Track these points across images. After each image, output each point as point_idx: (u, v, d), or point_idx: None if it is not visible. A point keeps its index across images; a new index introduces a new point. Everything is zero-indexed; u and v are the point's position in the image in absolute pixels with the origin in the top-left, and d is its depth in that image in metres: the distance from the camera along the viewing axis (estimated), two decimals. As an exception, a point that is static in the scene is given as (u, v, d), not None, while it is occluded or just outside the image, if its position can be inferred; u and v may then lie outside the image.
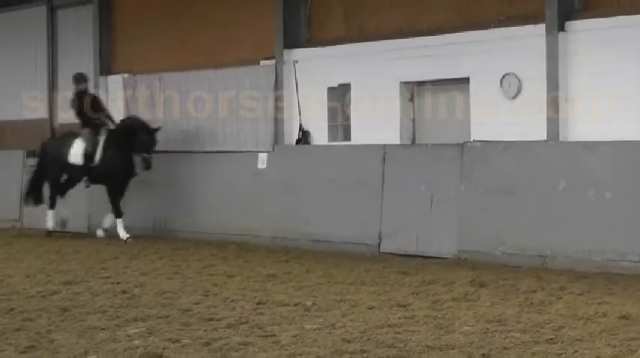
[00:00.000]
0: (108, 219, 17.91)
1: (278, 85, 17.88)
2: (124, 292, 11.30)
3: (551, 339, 8.21)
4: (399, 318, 9.28)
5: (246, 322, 9.26)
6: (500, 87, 15.11)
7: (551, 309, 9.75)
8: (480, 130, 15.15)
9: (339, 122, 17.43)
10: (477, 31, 15.36)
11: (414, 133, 16.62)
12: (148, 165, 17.35)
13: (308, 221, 15.56)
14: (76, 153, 18.05)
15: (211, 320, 9.46)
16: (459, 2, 15.88)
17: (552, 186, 13.28)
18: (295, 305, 10.15)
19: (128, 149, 17.56)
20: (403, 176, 14.97)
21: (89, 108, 18.08)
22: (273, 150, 17.01)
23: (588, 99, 14.15)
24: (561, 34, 14.45)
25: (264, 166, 16.51)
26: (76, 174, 18.18)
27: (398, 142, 16.04)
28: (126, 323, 9.43)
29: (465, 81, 15.65)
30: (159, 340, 8.58)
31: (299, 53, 16.59)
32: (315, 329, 8.87)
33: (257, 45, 18.30)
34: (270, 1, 18.12)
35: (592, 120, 14.07)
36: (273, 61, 18.09)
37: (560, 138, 14.38)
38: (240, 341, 8.43)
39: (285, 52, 17.95)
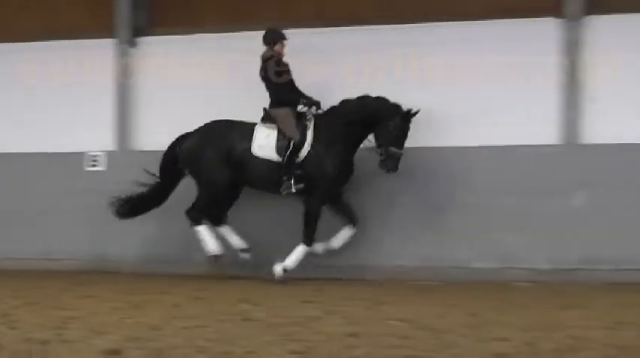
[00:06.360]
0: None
1: None
2: None
3: None
4: None
5: None
6: None
7: None
8: None
9: None
10: None
11: None
12: (395, 166, 10.47)
13: None
14: (265, 143, 10.72)
15: None
16: None
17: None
18: None
19: (356, 141, 10.72)
20: None
21: (289, 80, 10.93)
22: None
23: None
24: None
25: None
26: (265, 180, 10.71)
27: None
28: None
29: None
30: None
31: None
32: None
33: None
34: None
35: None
36: None
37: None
38: None
39: None
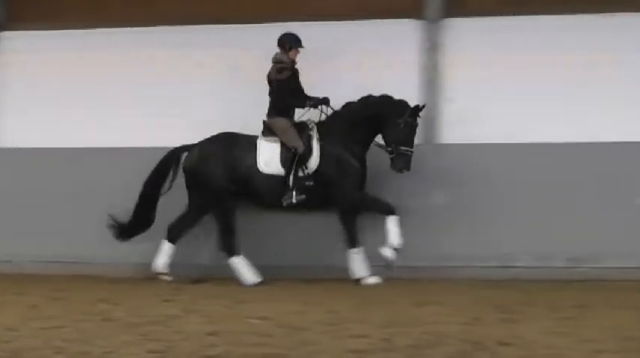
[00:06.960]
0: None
1: None
2: None
3: None
4: None
5: None
6: None
7: None
8: None
9: None
10: None
11: None
12: (407, 165, 10.17)
13: None
14: (270, 158, 10.20)
15: None
16: None
17: None
18: None
19: (366, 142, 10.31)
20: None
21: (295, 89, 10.35)
22: None
23: None
24: None
25: None
26: (269, 193, 10.19)
27: None
28: None
29: None
30: None
31: None
32: None
33: None
34: None
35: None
36: None
37: None
38: None
39: None
